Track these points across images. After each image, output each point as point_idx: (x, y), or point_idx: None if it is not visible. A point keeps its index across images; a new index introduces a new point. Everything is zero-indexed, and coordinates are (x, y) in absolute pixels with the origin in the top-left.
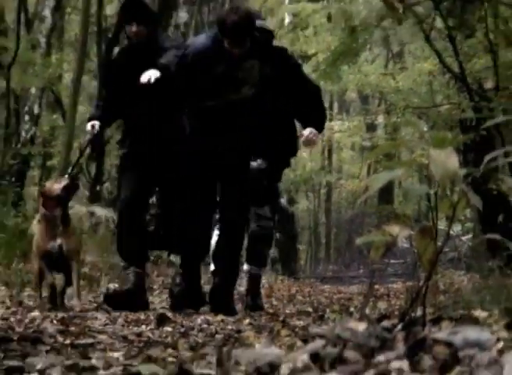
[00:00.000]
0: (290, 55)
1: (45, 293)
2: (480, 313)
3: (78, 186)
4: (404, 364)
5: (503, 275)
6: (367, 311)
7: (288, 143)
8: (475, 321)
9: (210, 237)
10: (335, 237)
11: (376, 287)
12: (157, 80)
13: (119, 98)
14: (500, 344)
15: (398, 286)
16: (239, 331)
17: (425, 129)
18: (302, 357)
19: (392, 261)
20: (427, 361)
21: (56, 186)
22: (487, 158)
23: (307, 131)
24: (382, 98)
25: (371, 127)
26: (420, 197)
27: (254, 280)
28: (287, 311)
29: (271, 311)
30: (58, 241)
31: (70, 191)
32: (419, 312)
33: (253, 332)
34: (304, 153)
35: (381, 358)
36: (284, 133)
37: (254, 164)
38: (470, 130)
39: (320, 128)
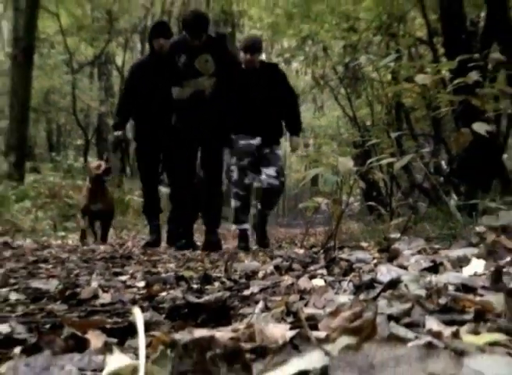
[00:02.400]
0: (280, 69)
1: (89, 236)
2: (364, 244)
3: (110, 169)
4: (324, 271)
5: (376, 224)
6: (304, 243)
7: (277, 127)
8: (361, 248)
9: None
10: (287, 203)
11: (309, 230)
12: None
13: (137, 97)
14: (375, 261)
15: (321, 230)
16: (236, 253)
17: (335, 146)
18: (270, 267)
19: (318, 216)
20: (336, 269)
21: (98, 167)
22: (368, 162)
23: (291, 142)
24: (312, 130)
25: (306, 145)
26: (333, 182)
27: (263, 217)
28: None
29: (254, 247)
30: (98, 204)
31: (107, 171)
32: (332, 243)
33: (243, 254)
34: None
35: (311, 268)
36: (274, 121)
37: (255, 141)
38: (358, 147)
39: (298, 132)
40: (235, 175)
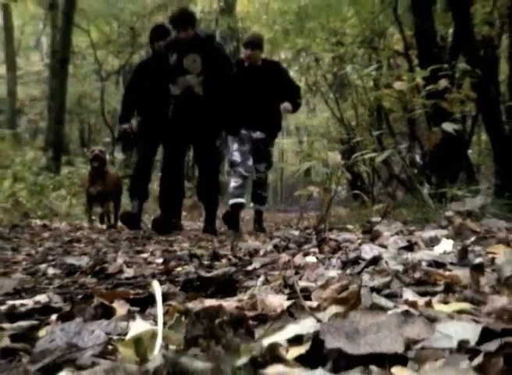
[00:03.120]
0: (282, 66)
1: (93, 216)
2: (350, 227)
3: (98, 156)
4: (316, 249)
5: (360, 209)
6: (299, 225)
7: (276, 123)
8: (348, 230)
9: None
10: (284, 191)
11: (303, 214)
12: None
13: (139, 94)
14: (359, 240)
15: (313, 214)
16: (241, 234)
17: (325, 143)
18: (269, 246)
19: (311, 202)
20: (326, 248)
21: (99, 153)
22: (353, 156)
23: (285, 103)
24: (306, 129)
25: (301, 142)
26: (323, 174)
27: (258, 213)
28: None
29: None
30: (98, 187)
31: (95, 158)
32: (323, 226)
33: (247, 235)
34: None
35: (305, 247)
36: (274, 117)
37: (254, 135)
38: (345, 143)
39: (295, 108)
40: (238, 158)
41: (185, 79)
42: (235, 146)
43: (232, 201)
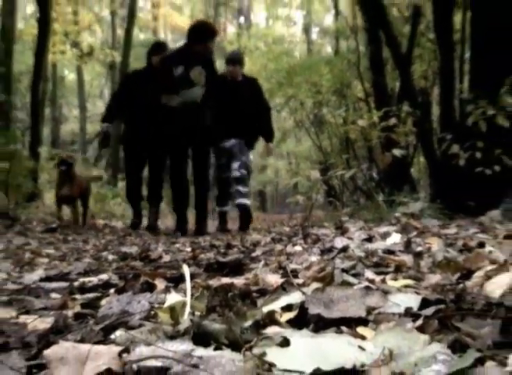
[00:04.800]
0: (258, 83)
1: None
2: (326, 224)
3: (64, 161)
4: (301, 241)
5: (333, 212)
6: (289, 224)
7: (252, 133)
8: (325, 227)
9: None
10: (278, 198)
11: (292, 216)
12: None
13: (128, 101)
14: (333, 234)
15: (300, 215)
16: (246, 231)
17: (308, 164)
18: (268, 239)
19: (298, 207)
20: (309, 240)
21: (65, 158)
22: (328, 173)
23: (267, 148)
24: (294, 153)
25: (290, 163)
26: (307, 186)
27: (241, 208)
28: (262, 224)
29: (258, 226)
30: (66, 189)
31: (61, 163)
32: (306, 224)
33: (252, 231)
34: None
35: (294, 239)
36: (251, 128)
37: (228, 144)
38: (322, 164)
39: (271, 139)
40: (215, 171)
41: (192, 91)
42: (214, 159)
43: (218, 209)
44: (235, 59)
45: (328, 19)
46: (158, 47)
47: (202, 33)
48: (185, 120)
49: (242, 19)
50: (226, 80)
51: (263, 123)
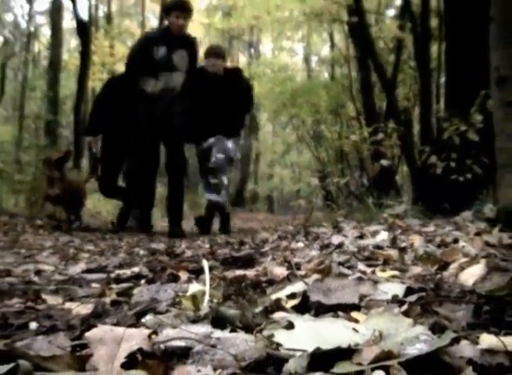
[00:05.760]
0: (244, 75)
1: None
2: (324, 224)
3: (68, 157)
4: (303, 238)
5: (330, 213)
6: (293, 223)
7: (234, 127)
8: (323, 226)
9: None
10: (283, 202)
11: (295, 217)
12: None
13: (108, 110)
14: (330, 233)
15: (301, 216)
16: (256, 230)
17: (309, 172)
18: (274, 236)
19: (300, 209)
20: (310, 237)
21: (54, 156)
22: (326, 181)
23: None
24: (297, 163)
25: (294, 172)
26: (308, 191)
27: (211, 206)
28: (269, 224)
29: (267, 226)
30: (56, 189)
31: (63, 160)
32: (307, 224)
33: (261, 230)
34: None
35: (297, 237)
36: (231, 123)
37: (206, 144)
38: (321, 172)
39: (231, 134)
40: (203, 178)
41: (170, 76)
42: (198, 162)
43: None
44: (218, 52)
45: (325, 50)
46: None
47: (185, 5)
48: (161, 110)
49: (252, 50)
50: (206, 75)
51: (235, 118)
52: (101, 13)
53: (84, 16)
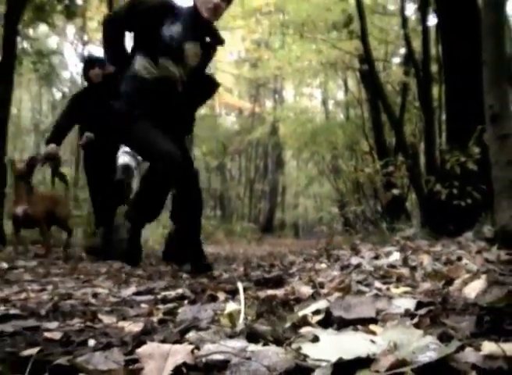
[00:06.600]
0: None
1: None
2: (344, 247)
3: (34, 165)
4: (326, 260)
5: (349, 237)
6: (316, 247)
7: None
8: (343, 249)
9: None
10: (307, 228)
11: (318, 241)
12: None
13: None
14: (349, 254)
15: (324, 240)
16: (284, 254)
17: (329, 202)
18: (300, 259)
19: (323, 234)
20: (331, 259)
21: (18, 166)
22: (345, 208)
23: None
24: (318, 194)
25: (316, 202)
26: (329, 218)
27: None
28: (296, 248)
29: (293, 249)
30: (23, 207)
31: (29, 169)
32: (329, 247)
33: (289, 253)
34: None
35: (320, 259)
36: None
37: None
38: (340, 202)
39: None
40: None
41: (173, 65)
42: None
43: None
44: None
45: (340, 94)
46: (91, 60)
47: None
48: (155, 104)
49: (276, 96)
50: None
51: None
52: None
53: None
